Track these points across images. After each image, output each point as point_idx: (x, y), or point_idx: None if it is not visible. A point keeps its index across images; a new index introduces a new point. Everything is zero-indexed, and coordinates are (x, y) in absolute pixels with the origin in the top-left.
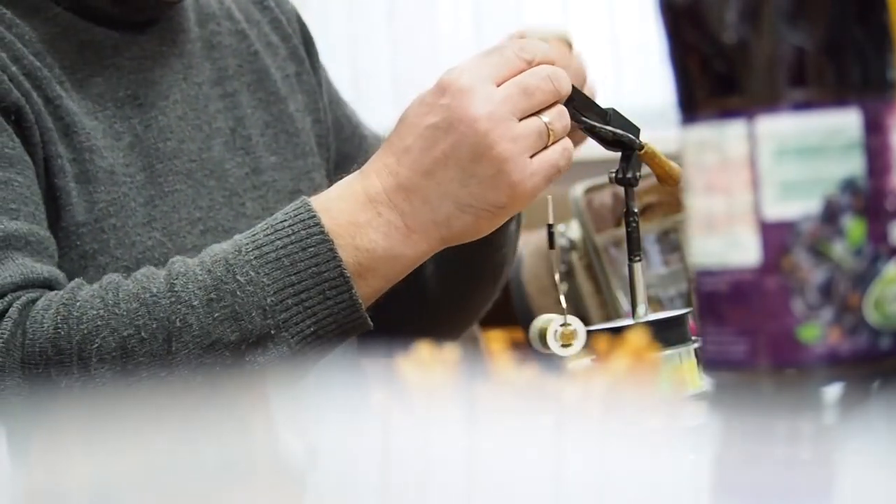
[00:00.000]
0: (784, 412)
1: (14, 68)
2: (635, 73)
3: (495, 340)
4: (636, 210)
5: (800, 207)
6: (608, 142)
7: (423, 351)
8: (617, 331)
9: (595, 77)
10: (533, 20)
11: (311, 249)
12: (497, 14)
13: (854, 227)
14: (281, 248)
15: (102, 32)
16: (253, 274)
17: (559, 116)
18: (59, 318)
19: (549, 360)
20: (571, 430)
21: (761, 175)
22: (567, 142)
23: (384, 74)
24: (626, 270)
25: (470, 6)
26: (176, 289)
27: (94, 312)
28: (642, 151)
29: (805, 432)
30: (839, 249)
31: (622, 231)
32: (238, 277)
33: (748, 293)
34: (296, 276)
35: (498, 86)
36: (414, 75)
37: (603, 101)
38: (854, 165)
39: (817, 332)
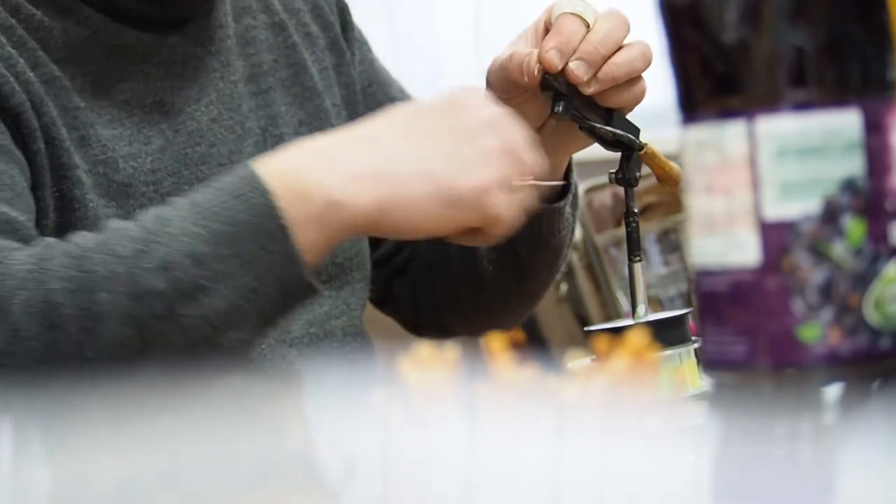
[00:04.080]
0: (784, 412)
1: (31, 74)
2: None
3: (495, 340)
4: (636, 210)
5: (800, 207)
6: (608, 142)
7: (423, 351)
8: (617, 331)
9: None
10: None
11: (248, 200)
12: (497, 15)
13: (854, 227)
14: (217, 200)
15: (134, 36)
16: (186, 226)
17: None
18: None
19: (548, 360)
20: (571, 430)
21: (761, 175)
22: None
23: None
24: (626, 270)
25: (470, 6)
26: (106, 242)
27: (23, 268)
28: (642, 151)
29: (805, 432)
30: (839, 249)
31: (622, 231)
32: (170, 229)
33: (748, 293)
34: (231, 226)
35: None
36: (414, 75)
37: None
38: (854, 165)
39: (817, 332)
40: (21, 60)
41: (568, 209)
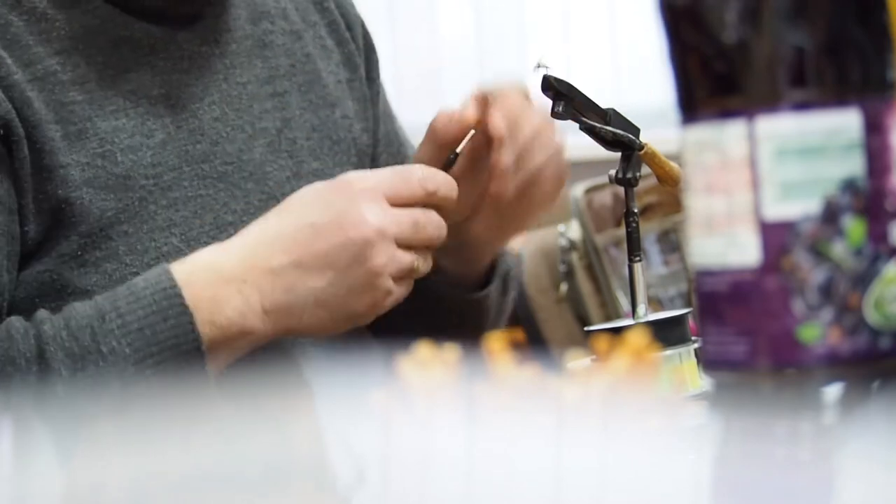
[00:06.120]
0: (784, 412)
1: (18, 75)
2: (635, 73)
3: (495, 340)
4: (636, 210)
5: (800, 207)
6: (608, 142)
7: (423, 351)
8: (617, 331)
9: (595, 77)
10: (533, 21)
11: (171, 321)
12: (497, 15)
13: (854, 227)
14: (143, 317)
15: (142, 28)
16: (115, 344)
17: (425, 262)
18: None
19: (548, 360)
20: (571, 430)
21: (761, 175)
22: (409, 285)
23: (384, 75)
24: (626, 270)
25: (470, 6)
26: (46, 356)
27: None
28: (642, 151)
29: (805, 432)
30: (839, 249)
31: (622, 231)
32: (101, 347)
33: (748, 293)
34: (156, 346)
35: (394, 206)
36: (414, 76)
37: (603, 102)
38: (854, 165)
39: (817, 332)
40: (9, 62)
41: (492, 295)
